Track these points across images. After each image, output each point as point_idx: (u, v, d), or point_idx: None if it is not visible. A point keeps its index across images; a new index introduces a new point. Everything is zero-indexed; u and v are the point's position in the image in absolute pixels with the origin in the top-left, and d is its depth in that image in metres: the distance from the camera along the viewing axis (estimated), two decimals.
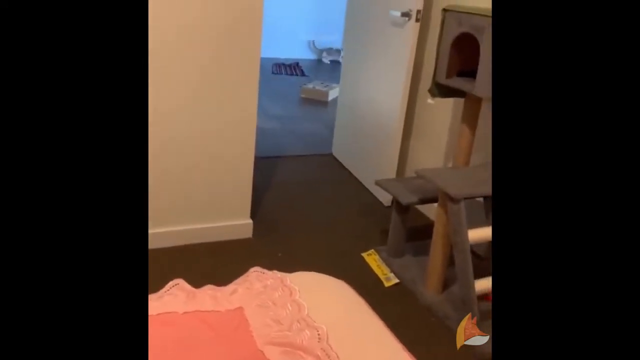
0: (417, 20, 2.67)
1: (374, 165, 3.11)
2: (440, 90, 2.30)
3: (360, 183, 3.31)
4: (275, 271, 1.46)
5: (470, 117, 2.25)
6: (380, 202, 3.06)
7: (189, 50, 2.14)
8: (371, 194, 3.16)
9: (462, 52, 2.16)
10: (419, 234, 2.60)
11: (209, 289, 1.39)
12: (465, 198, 1.93)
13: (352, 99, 3.44)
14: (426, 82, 2.80)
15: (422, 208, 2.95)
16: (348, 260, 2.45)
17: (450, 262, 2.13)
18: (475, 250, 2.26)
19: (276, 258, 2.42)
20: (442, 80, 2.22)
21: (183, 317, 1.25)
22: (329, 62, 7.28)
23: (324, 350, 1.15)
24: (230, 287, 1.41)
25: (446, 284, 2.25)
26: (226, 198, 2.48)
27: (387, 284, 2.31)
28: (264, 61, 2.36)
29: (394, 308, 2.10)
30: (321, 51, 7.38)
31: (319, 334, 1.19)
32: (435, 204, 2.21)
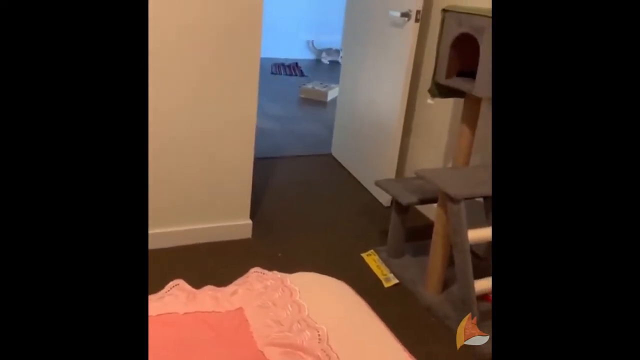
0: (416, 20, 2.67)
1: (373, 166, 3.11)
2: (440, 90, 2.30)
3: (360, 183, 3.31)
4: (275, 272, 1.46)
5: (469, 118, 2.25)
6: (380, 203, 3.06)
7: (189, 50, 2.14)
8: (371, 194, 3.16)
9: (462, 53, 2.16)
10: (418, 235, 2.60)
11: (209, 290, 1.39)
12: (465, 198, 1.93)
13: (352, 99, 3.44)
14: (426, 82, 2.80)
15: (422, 208, 2.95)
16: (347, 261, 2.45)
17: (450, 262, 2.13)
18: (474, 251, 2.26)
19: (276, 258, 2.42)
20: (442, 80, 2.22)
21: (183, 317, 1.25)
22: (328, 63, 7.28)
23: (325, 351, 1.15)
24: (231, 287, 1.41)
25: (446, 284, 2.25)
26: (226, 198, 2.48)
27: (386, 285, 2.31)
28: (263, 61, 2.36)
29: (394, 308, 2.10)
30: (320, 51, 7.38)
31: (319, 335, 1.19)
32: (435, 205, 2.21)
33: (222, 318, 1.26)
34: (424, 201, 2.40)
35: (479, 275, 1.96)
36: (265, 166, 3.35)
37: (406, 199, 2.34)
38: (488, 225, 2.05)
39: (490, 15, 1.91)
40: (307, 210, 2.96)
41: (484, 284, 1.96)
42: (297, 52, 7.28)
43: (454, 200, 1.92)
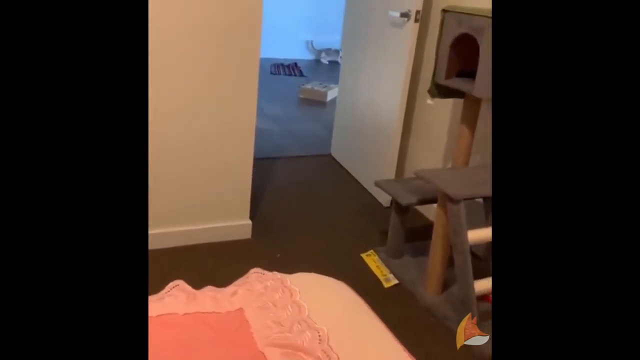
0: (416, 20, 2.67)
1: (373, 166, 3.11)
2: (440, 90, 2.30)
3: (359, 184, 3.31)
4: (275, 272, 1.46)
5: (469, 118, 2.25)
6: (380, 203, 3.06)
7: (189, 50, 2.14)
8: (370, 194, 3.16)
9: (462, 53, 2.16)
10: (418, 235, 2.60)
11: (209, 290, 1.39)
12: (464, 199, 1.93)
13: (351, 100, 3.44)
14: (425, 82, 2.80)
15: (422, 209, 2.95)
16: (347, 261, 2.45)
17: (449, 263, 2.13)
18: (474, 251, 2.26)
19: (275, 259, 2.42)
20: (442, 80, 2.22)
21: (184, 318, 1.25)
22: (327, 63, 7.28)
23: (325, 352, 1.15)
24: (231, 288, 1.41)
25: (445, 285, 2.25)
26: (225, 199, 2.48)
27: (386, 285, 2.31)
28: (262, 61, 2.36)
29: (394, 309, 2.10)
30: (319, 51, 7.38)
31: (319, 336, 1.19)
32: (435, 205, 2.21)
33: (223, 319, 1.26)
34: (423, 202, 2.40)
35: (478, 275, 1.96)
36: (264, 166, 3.35)
37: (406, 199, 2.34)
38: (488, 226, 2.05)
39: (490, 15, 1.91)
40: (306, 210, 2.96)
41: (483, 285, 1.96)
42: (296, 52, 7.28)
43: (453, 200, 1.92)
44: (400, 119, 2.88)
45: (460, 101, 2.34)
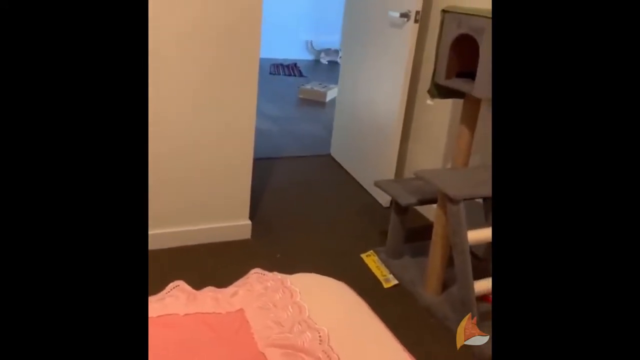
0: (416, 21, 2.67)
1: (372, 166, 3.11)
2: (440, 91, 2.30)
3: (359, 184, 3.31)
4: (275, 273, 1.46)
5: (469, 118, 2.25)
6: (379, 203, 3.06)
7: (189, 50, 2.14)
8: (370, 194, 3.16)
9: (461, 53, 2.16)
10: (418, 235, 2.60)
11: (209, 291, 1.39)
12: (464, 199, 1.93)
13: (351, 100, 3.44)
14: (425, 83, 2.81)
15: (421, 209, 2.95)
16: (347, 261, 2.45)
17: (449, 263, 2.13)
18: (474, 252, 2.26)
19: (275, 259, 2.42)
20: (441, 81, 2.23)
21: (184, 319, 1.25)
22: (326, 63, 7.28)
23: (325, 352, 1.15)
24: (231, 288, 1.41)
25: (445, 285, 2.25)
26: (225, 199, 2.48)
27: (386, 285, 2.31)
28: (261, 61, 2.36)
29: (394, 309, 2.10)
30: (319, 52, 7.38)
31: (320, 336, 1.19)
32: (434, 205, 2.21)
33: (223, 319, 1.26)
34: (423, 202, 2.40)
35: (478, 276, 1.96)
36: (264, 167, 3.35)
37: (405, 199, 2.34)
38: (487, 226, 2.05)
39: (490, 15, 1.91)
40: (306, 210, 2.96)
41: (483, 285, 1.96)
42: (296, 52, 7.28)
43: (453, 201, 1.93)
44: (399, 119, 2.88)
45: (460, 101, 2.34)
